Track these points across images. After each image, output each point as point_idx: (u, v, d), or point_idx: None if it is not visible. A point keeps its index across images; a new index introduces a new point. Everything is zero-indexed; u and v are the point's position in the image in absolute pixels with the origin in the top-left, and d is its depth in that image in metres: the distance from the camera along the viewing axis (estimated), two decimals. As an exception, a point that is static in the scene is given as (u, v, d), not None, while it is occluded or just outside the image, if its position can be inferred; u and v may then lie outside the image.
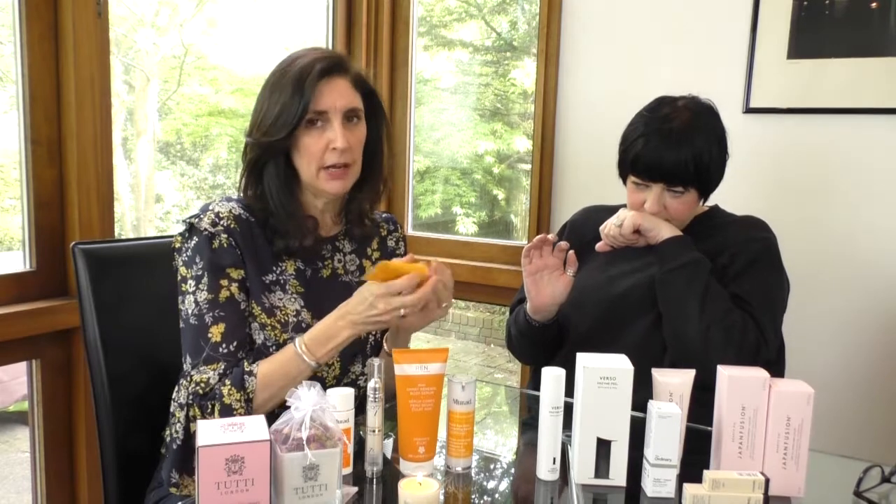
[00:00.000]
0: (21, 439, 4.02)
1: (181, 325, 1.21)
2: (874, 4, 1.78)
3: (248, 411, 1.15)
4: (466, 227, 3.47)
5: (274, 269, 1.25)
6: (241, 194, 1.26)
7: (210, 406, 1.14)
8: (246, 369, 1.16)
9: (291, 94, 1.18)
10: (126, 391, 1.32)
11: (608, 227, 1.48)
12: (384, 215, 1.48)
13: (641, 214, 1.44)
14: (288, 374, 1.17)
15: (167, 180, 4.77)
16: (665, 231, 1.43)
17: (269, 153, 1.22)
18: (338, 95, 1.21)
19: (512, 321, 1.61)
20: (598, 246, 1.51)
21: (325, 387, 1.14)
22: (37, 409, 1.67)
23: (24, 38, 1.56)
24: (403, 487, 0.91)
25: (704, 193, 1.47)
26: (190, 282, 1.20)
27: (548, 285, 1.45)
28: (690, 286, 1.36)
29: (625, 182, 1.51)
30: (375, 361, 1.08)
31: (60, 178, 1.64)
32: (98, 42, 1.64)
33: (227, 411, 1.13)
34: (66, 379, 1.69)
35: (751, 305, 1.38)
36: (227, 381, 1.15)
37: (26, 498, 1.85)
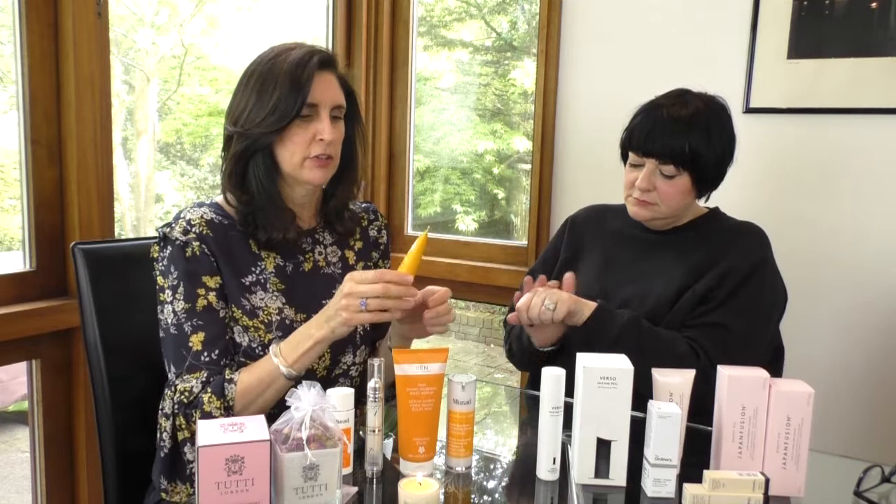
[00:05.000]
0: (21, 439, 4.02)
1: (161, 334, 1.21)
2: (874, 4, 1.78)
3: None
4: (466, 227, 3.48)
5: (253, 269, 1.25)
6: (227, 188, 1.25)
7: (193, 415, 1.14)
8: (227, 377, 1.16)
9: (290, 87, 1.18)
10: (126, 391, 1.32)
11: (534, 308, 1.33)
12: (363, 205, 1.46)
13: (570, 298, 1.35)
14: (264, 380, 1.16)
15: (167, 180, 4.77)
16: (586, 311, 1.36)
17: (259, 144, 1.21)
18: (328, 90, 1.23)
19: (515, 338, 1.57)
20: (510, 318, 1.41)
21: (315, 378, 1.15)
22: (37, 409, 1.67)
23: (24, 38, 1.56)
24: (403, 487, 0.91)
25: (700, 186, 1.45)
26: (167, 291, 1.20)
27: (549, 328, 1.41)
28: (627, 356, 1.25)
29: (625, 163, 1.51)
30: (376, 361, 1.08)
31: (60, 178, 1.64)
32: (98, 42, 1.64)
33: (207, 419, 1.12)
34: (66, 379, 1.69)
35: (728, 331, 1.36)
36: (209, 389, 1.15)
37: (26, 498, 1.85)
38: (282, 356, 1.16)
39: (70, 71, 1.60)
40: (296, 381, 1.21)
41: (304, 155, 1.22)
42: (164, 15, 4.35)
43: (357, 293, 1.10)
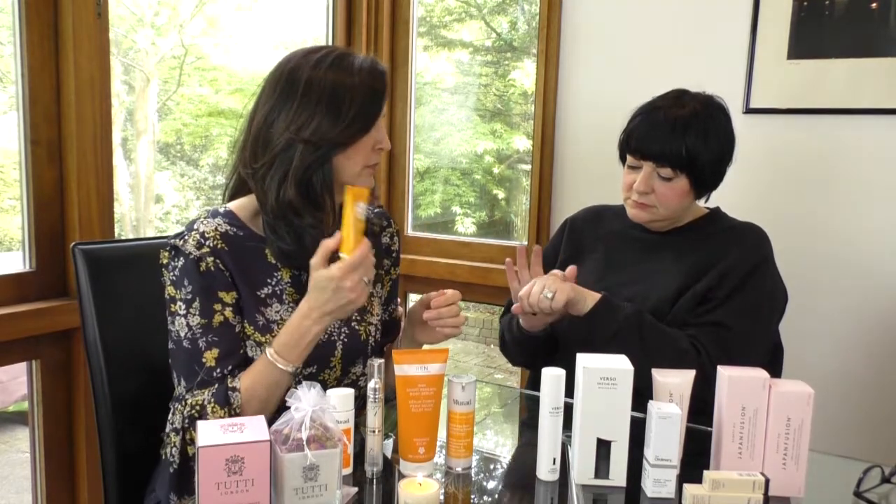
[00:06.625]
0: (21, 439, 4.02)
1: (171, 345, 1.18)
2: (874, 4, 1.78)
3: None
4: (466, 227, 3.48)
5: (269, 280, 1.22)
6: (275, 202, 1.18)
7: None
8: (230, 385, 1.13)
9: (371, 99, 1.18)
10: (126, 391, 1.31)
11: (534, 295, 1.33)
12: (376, 210, 1.44)
13: (571, 287, 1.35)
14: (269, 383, 1.14)
15: (167, 180, 4.77)
16: (589, 300, 1.36)
17: (330, 154, 1.18)
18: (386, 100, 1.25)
19: (506, 327, 1.59)
20: (514, 308, 1.41)
21: (325, 388, 1.14)
22: (37, 409, 1.67)
23: (24, 39, 1.56)
24: (403, 487, 0.91)
25: (698, 188, 1.45)
26: (179, 303, 1.16)
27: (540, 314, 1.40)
28: (629, 349, 1.21)
29: (624, 164, 1.51)
30: (376, 361, 1.08)
31: (60, 178, 1.64)
32: (98, 42, 1.64)
33: None
34: (66, 379, 1.69)
35: (729, 330, 1.36)
36: (213, 400, 1.12)
37: (26, 498, 1.85)
38: (282, 357, 1.14)
39: (70, 71, 1.60)
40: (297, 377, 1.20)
41: (365, 163, 1.22)
42: (164, 15, 4.36)
43: (357, 280, 1.11)
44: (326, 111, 1.16)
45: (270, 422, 0.94)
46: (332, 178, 1.20)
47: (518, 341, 1.53)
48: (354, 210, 1.13)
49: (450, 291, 1.26)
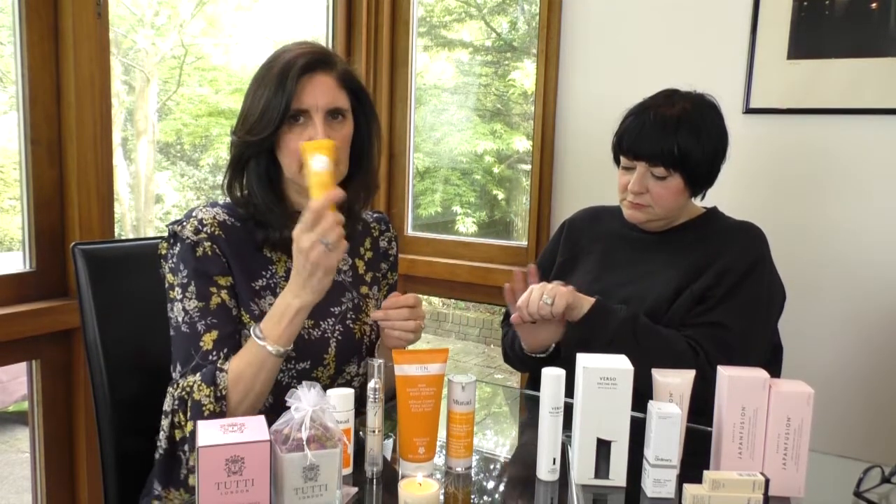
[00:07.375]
0: (21, 439, 4.02)
1: (171, 332, 1.19)
2: (874, 4, 1.78)
3: (221, 409, 1.10)
4: (466, 227, 3.48)
5: (263, 273, 1.22)
6: (226, 194, 1.23)
7: (188, 408, 1.11)
8: (218, 366, 1.12)
9: (275, 91, 1.15)
10: (126, 391, 1.31)
11: (533, 302, 1.32)
12: (375, 215, 1.44)
13: (570, 292, 1.34)
14: (253, 363, 1.12)
15: (167, 180, 4.77)
16: (585, 305, 1.36)
17: (252, 150, 1.19)
18: (320, 93, 1.17)
19: (508, 345, 1.58)
20: (513, 318, 1.40)
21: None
22: (37, 409, 1.67)
23: (24, 39, 1.56)
24: (403, 487, 0.91)
25: (693, 187, 1.45)
26: (177, 289, 1.17)
27: (542, 331, 1.42)
28: (626, 353, 1.17)
29: (618, 166, 1.52)
30: (375, 361, 1.08)
31: (60, 178, 1.64)
32: (98, 42, 1.64)
33: (196, 408, 1.09)
34: (66, 379, 1.69)
35: (728, 330, 1.36)
36: (199, 379, 1.11)
37: (26, 498, 1.86)
38: (265, 335, 1.12)
39: (70, 71, 1.60)
40: (286, 359, 1.18)
41: (301, 162, 1.17)
42: (163, 15, 4.36)
43: (313, 240, 1.06)
44: (248, 106, 1.19)
45: (270, 422, 0.94)
46: (266, 174, 1.21)
47: (521, 360, 1.53)
48: (310, 165, 1.10)
49: (406, 295, 1.23)
